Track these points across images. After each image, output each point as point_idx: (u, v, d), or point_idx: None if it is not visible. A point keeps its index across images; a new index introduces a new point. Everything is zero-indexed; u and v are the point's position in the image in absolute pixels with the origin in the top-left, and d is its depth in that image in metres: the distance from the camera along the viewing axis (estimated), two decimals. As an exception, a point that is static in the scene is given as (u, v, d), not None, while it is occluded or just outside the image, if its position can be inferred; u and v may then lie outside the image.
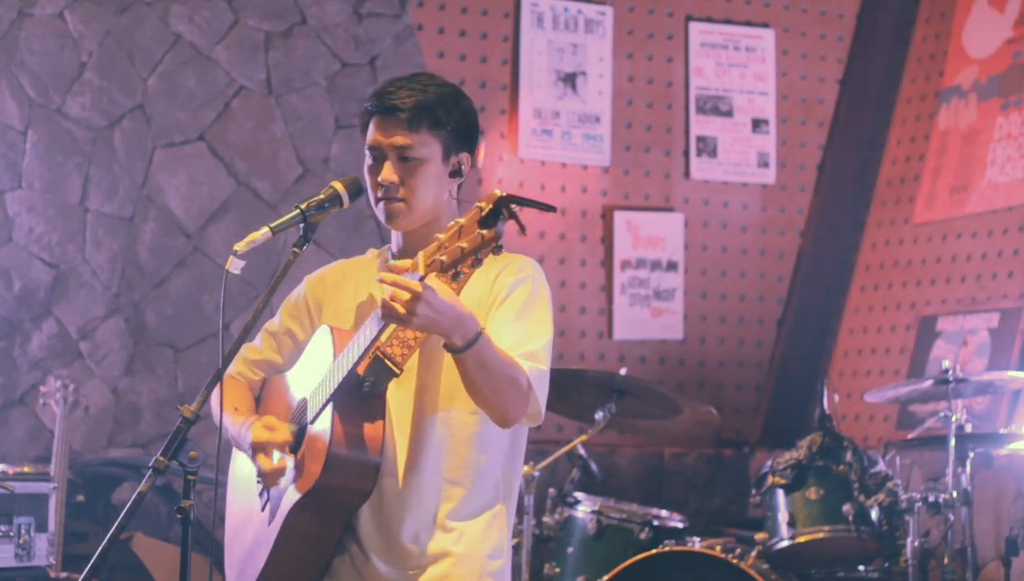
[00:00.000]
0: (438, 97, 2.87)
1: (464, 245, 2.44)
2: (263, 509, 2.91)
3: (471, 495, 2.81)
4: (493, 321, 2.80)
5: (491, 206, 2.43)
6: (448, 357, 2.75)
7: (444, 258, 2.45)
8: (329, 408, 2.74)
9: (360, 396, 2.73)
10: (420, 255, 2.49)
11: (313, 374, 2.86)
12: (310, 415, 2.81)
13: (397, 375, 2.72)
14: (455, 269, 2.46)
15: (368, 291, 2.96)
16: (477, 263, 2.46)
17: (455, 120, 2.88)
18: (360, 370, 2.71)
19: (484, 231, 2.43)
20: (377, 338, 2.66)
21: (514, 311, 2.80)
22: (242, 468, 3.06)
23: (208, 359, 5.98)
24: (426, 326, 2.57)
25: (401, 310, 2.53)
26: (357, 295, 2.97)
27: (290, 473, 2.82)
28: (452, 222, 2.48)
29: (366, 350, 2.67)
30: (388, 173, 2.85)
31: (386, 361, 2.70)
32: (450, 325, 2.59)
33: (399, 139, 2.84)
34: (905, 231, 6.63)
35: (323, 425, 2.75)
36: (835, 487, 4.81)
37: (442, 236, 2.47)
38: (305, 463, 2.78)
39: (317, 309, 3.02)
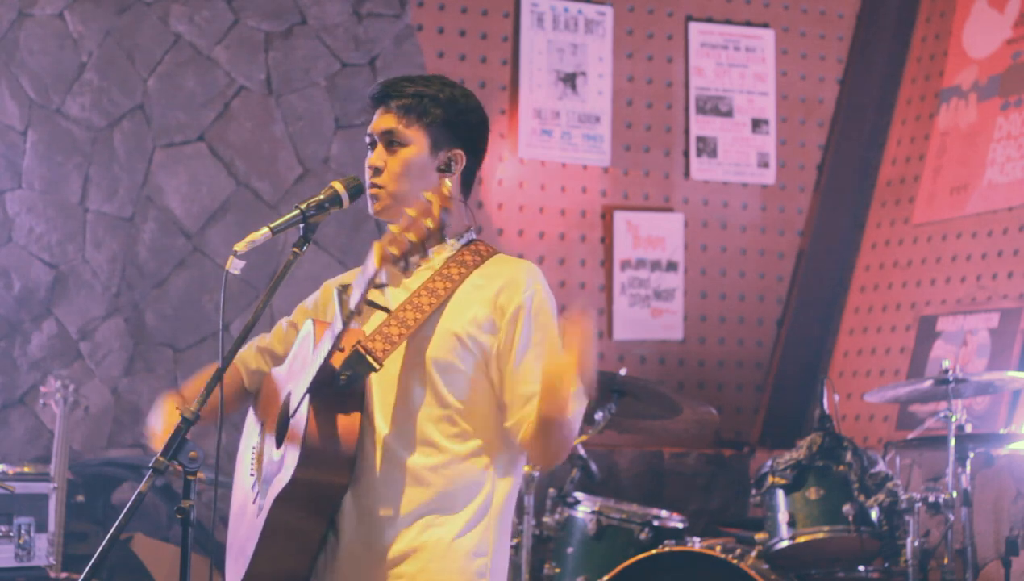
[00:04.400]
0: (436, 92, 2.91)
1: (412, 237, 2.50)
2: (254, 502, 2.93)
3: (451, 490, 2.80)
4: (525, 365, 2.82)
5: (437, 198, 2.50)
6: (430, 357, 2.78)
7: (395, 250, 2.51)
8: (306, 402, 2.75)
9: (337, 389, 2.74)
10: (375, 246, 2.55)
11: (299, 367, 2.88)
12: (291, 408, 2.82)
13: (376, 370, 2.73)
14: (405, 261, 2.52)
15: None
16: (425, 255, 2.52)
17: (448, 115, 2.90)
18: (336, 363, 2.72)
19: (428, 222, 2.49)
20: (343, 332, 2.67)
21: (546, 349, 2.83)
22: (244, 455, 3.07)
23: (208, 359, 5.96)
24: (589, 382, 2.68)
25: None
26: None
27: (276, 467, 2.83)
28: (403, 214, 2.53)
29: (334, 344, 2.68)
30: (375, 158, 2.91)
31: (367, 356, 2.72)
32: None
33: (387, 123, 2.90)
34: (905, 231, 6.63)
35: (300, 419, 2.76)
36: (835, 487, 4.81)
37: (394, 228, 2.53)
38: (286, 456, 2.80)
39: (323, 310, 3.04)
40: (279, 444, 2.86)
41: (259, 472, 2.95)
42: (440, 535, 2.78)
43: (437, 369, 2.79)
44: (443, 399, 2.80)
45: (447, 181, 2.53)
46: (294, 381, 2.87)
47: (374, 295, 2.67)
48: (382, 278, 2.57)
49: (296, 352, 2.95)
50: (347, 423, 2.75)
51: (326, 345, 2.71)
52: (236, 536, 3.00)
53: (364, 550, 2.80)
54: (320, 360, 2.70)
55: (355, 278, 2.65)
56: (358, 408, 2.77)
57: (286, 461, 2.77)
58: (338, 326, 2.66)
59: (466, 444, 2.82)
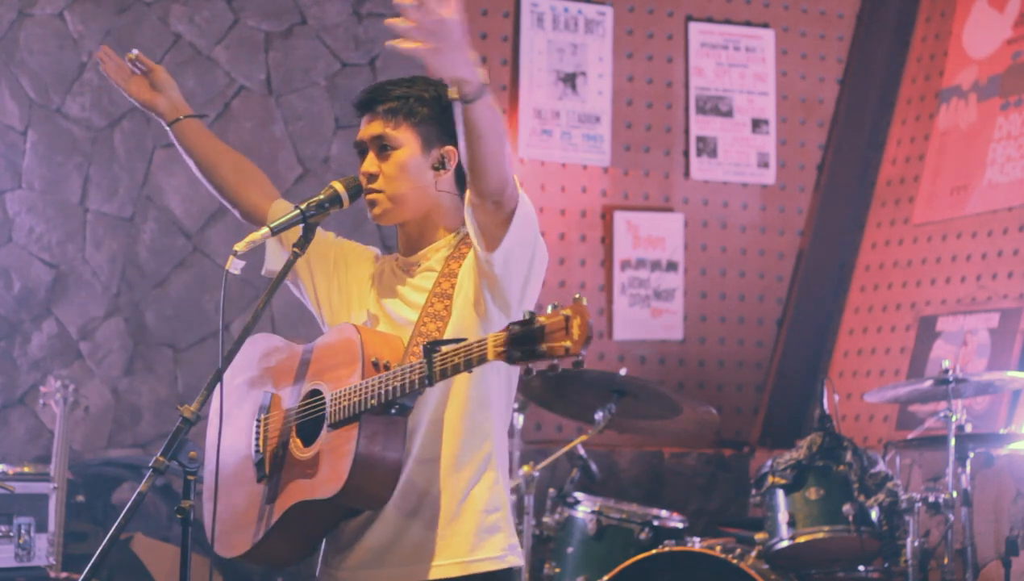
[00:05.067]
0: (421, 92, 2.93)
1: (544, 349, 2.43)
2: (260, 481, 2.92)
3: (461, 442, 2.83)
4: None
5: (579, 319, 2.38)
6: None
7: (518, 354, 2.45)
8: (356, 422, 2.74)
9: (387, 417, 2.75)
10: (490, 338, 2.49)
11: (330, 367, 2.86)
12: (331, 416, 2.80)
13: (421, 392, 2.73)
14: (527, 364, 2.46)
15: (372, 296, 3.00)
16: (553, 369, 2.44)
17: (436, 113, 2.91)
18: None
19: (567, 343, 2.38)
20: (426, 387, 2.66)
21: None
22: (238, 415, 3.03)
23: (208, 359, 5.98)
24: (449, 48, 2.50)
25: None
26: (361, 290, 3.01)
27: (302, 467, 2.83)
28: (536, 317, 2.44)
29: (416, 390, 2.67)
30: (368, 164, 2.93)
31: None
32: (467, 63, 2.55)
33: (375, 129, 2.92)
34: (905, 231, 6.63)
35: (348, 436, 2.75)
36: (835, 487, 4.81)
37: (516, 328, 2.47)
38: (322, 462, 2.79)
39: (341, 266, 3.05)
40: (306, 442, 2.85)
41: (266, 452, 2.93)
42: (450, 493, 2.81)
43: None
44: (470, 387, 2.82)
45: (585, 301, 2.42)
46: (327, 383, 2.85)
47: (398, 285, 2.74)
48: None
49: (325, 348, 2.92)
50: (396, 447, 2.76)
51: (397, 385, 2.67)
52: (228, 502, 2.98)
53: (393, 520, 2.82)
54: (387, 397, 2.68)
55: (454, 345, 2.60)
56: (405, 427, 2.78)
57: (325, 471, 2.77)
58: (420, 380, 2.64)
59: (480, 406, 2.84)
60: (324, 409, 2.82)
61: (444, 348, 2.59)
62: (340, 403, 2.78)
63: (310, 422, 2.86)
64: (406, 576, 2.81)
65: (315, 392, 2.88)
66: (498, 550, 2.83)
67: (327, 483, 2.75)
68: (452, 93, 2.58)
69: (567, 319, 2.40)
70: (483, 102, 2.60)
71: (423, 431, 2.81)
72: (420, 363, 2.63)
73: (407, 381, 2.66)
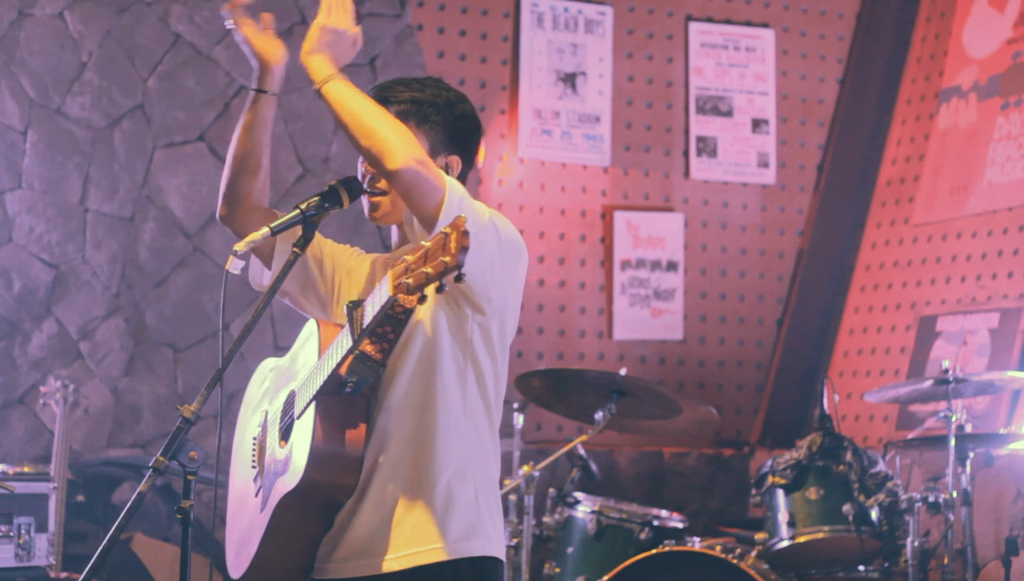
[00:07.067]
0: (433, 97, 2.91)
1: (428, 270, 2.46)
2: (257, 495, 2.95)
3: (444, 436, 2.82)
4: None
5: (455, 233, 2.44)
6: (407, 360, 2.78)
7: (410, 281, 2.48)
8: (313, 407, 2.77)
9: (344, 396, 2.76)
10: (389, 274, 2.53)
11: (301, 366, 2.90)
12: (296, 410, 2.84)
13: (381, 372, 2.74)
14: (420, 292, 2.48)
15: (362, 290, 3.01)
16: (441, 288, 2.46)
17: (446, 121, 2.91)
18: (342, 371, 2.73)
19: (446, 258, 2.43)
20: (358, 344, 2.67)
21: None
22: (243, 443, 3.09)
23: (208, 359, 5.98)
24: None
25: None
26: (361, 292, 3.02)
27: (281, 465, 2.85)
28: (421, 244, 2.49)
29: (343, 359, 2.69)
30: None
31: (369, 360, 2.72)
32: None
33: None
34: (905, 231, 6.63)
35: (307, 422, 2.78)
36: (835, 487, 4.81)
37: (410, 258, 2.49)
38: (292, 457, 2.82)
39: (342, 274, 3.06)
40: (284, 443, 2.88)
41: (261, 465, 2.98)
42: (430, 483, 2.80)
43: (437, 347, 2.81)
44: (443, 377, 2.81)
45: (463, 215, 2.47)
46: (297, 381, 2.89)
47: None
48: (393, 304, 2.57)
49: (297, 351, 2.97)
50: (355, 427, 2.78)
51: (335, 356, 2.72)
52: (237, 525, 3.03)
53: (376, 510, 2.82)
54: (328, 371, 2.72)
55: (369, 296, 2.64)
56: (365, 410, 2.80)
57: (292, 463, 2.80)
58: (348, 342, 2.67)
59: (460, 397, 2.84)
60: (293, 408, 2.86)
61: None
62: (302, 394, 2.82)
63: (293, 424, 2.89)
64: (391, 563, 2.81)
65: (292, 393, 2.91)
66: (477, 540, 2.83)
67: (293, 472, 2.77)
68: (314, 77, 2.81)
69: (445, 236, 2.44)
70: (332, 86, 2.77)
71: (403, 426, 2.81)
72: (347, 327, 2.65)
73: (341, 348, 2.68)
